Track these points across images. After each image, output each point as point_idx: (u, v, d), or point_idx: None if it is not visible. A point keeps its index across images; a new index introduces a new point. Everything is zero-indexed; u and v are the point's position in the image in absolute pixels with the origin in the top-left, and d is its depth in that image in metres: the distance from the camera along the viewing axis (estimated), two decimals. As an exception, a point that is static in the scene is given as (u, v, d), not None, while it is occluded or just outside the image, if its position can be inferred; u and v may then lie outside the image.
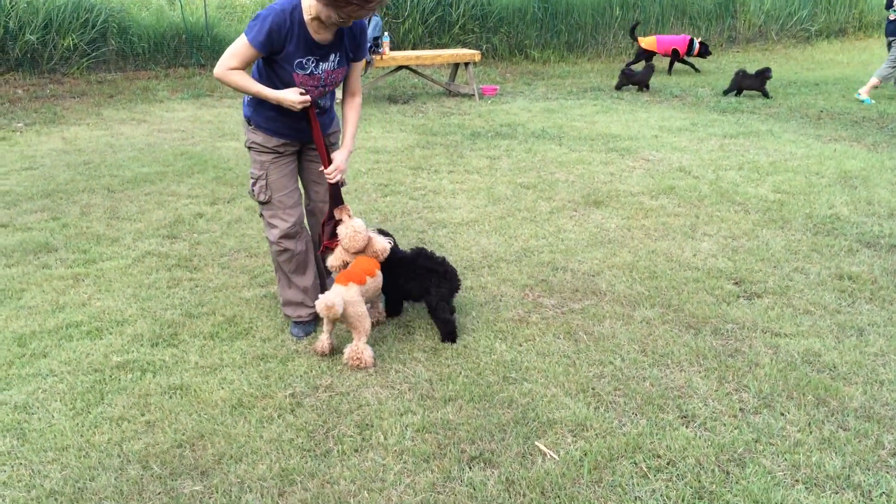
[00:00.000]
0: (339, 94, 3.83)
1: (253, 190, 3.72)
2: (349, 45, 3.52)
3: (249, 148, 3.71)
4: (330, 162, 3.68)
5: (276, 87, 3.44)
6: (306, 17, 3.33)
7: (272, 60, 3.42)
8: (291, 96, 3.38)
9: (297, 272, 3.89)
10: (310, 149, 3.81)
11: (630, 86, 12.03)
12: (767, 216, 5.62)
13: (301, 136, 3.68)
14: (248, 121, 3.67)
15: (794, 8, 18.55)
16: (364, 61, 3.71)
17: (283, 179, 3.70)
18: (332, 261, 3.74)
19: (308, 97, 3.42)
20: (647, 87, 11.90)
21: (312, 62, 3.42)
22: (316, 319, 3.96)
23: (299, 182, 3.91)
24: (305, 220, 3.95)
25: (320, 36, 3.38)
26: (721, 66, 14.89)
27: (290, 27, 3.31)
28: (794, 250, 4.94)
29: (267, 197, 3.69)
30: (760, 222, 5.50)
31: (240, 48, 3.33)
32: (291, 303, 3.92)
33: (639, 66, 13.01)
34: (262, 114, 3.61)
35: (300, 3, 3.33)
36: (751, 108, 10.27)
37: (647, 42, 13.44)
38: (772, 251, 4.92)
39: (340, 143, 3.86)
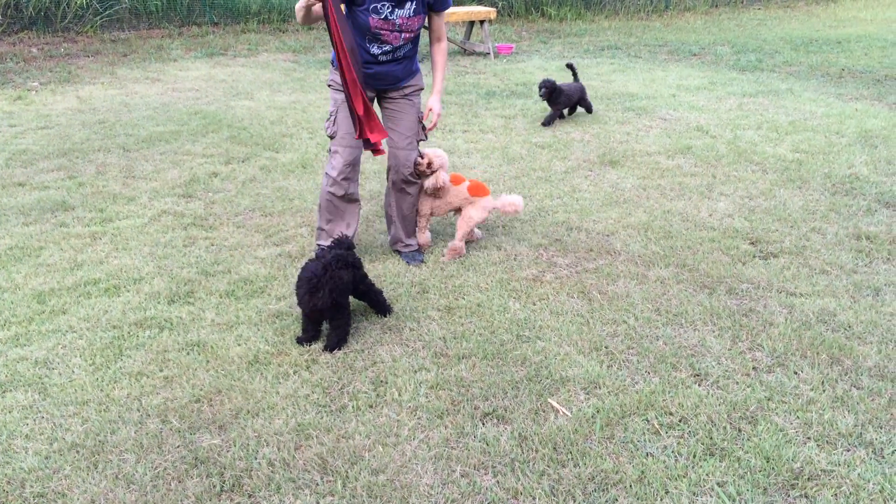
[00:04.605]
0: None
1: (326, 125, 4.02)
2: None
3: (329, 86, 4.00)
4: (365, 95, 3.68)
5: (355, 31, 3.70)
6: None
7: (351, 6, 3.65)
8: None
9: (333, 220, 4.12)
10: (389, 98, 4.07)
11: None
12: (785, 176, 5.56)
13: (372, 82, 3.92)
14: (332, 62, 3.95)
15: (818, -37, 18.13)
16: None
17: (349, 119, 3.88)
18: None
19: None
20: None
21: (388, 7, 3.65)
22: None
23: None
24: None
25: None
26: (742, 22, 14.61)
27: None
28: (811, 210, 4.89)
29: (333, 132, 3.97)
30: (778, 182, 5.44)
31: None
32: (322, 238, 4.21)
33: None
34: None
35: None
36: (771, 66, 10.10)
37: None
38: (789, 211, 4.88)
39: (428, 89, 4.16)
